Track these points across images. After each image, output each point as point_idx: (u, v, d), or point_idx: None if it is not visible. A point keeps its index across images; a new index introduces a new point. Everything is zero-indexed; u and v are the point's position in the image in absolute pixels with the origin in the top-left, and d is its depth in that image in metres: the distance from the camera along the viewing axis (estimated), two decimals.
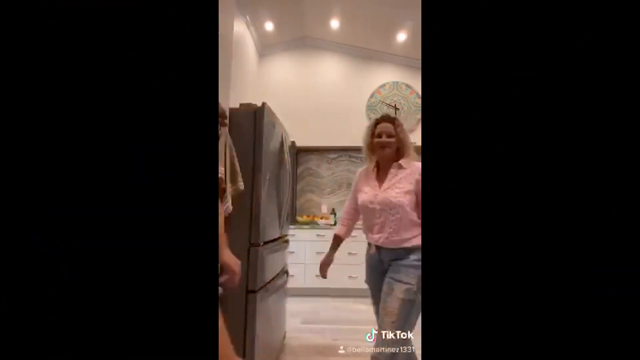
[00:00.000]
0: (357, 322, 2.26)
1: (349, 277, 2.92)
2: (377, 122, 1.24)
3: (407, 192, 1.13)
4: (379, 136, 1.19)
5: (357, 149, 3.75)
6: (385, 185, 1.17)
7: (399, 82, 3.76)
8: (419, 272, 1.10)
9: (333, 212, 3.30)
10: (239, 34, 2.79)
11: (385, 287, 1.10)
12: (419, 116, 3.62)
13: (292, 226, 3.05)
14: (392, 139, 1.18)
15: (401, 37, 3.43)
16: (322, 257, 1.33)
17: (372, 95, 3.75)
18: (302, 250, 2.99)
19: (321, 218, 3.33)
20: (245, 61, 3.15)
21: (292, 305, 2.63)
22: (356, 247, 3.00)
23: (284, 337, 2.04)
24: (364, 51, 3.78)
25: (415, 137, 3.54)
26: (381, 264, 1.17)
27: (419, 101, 3.67)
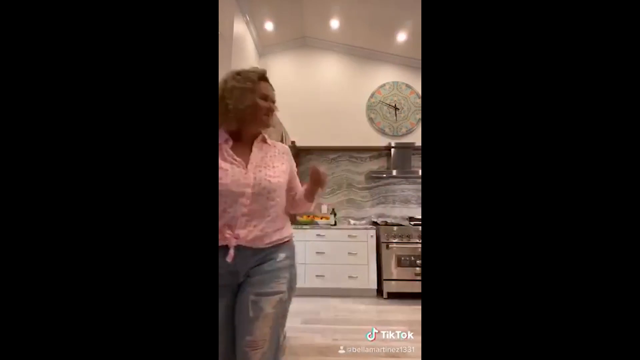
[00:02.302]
0: (357, 322, 2.26)
1: (349, 277, 2.92)
2: (262, 78, 0.94)
3: (284, 172, 0.94)
4: (265, 99, 0.92)
5: (357, 149, 3.78)
6: (254, 162, 0.89)
7: (399, 82, 3.76)
8: (290, 272, 0.88)
9: (333, 212, 3.29)
10: (239, 34, 2.79)
11: (249, 310, 0.79)
12: (419, 116, 3.62)
13: (292, 226, 3.05)
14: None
15: (401, 37, 3.43)
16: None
17: (372, 95, 3.75)
18: (302, 250, 2.99)
19: (321, 218, 3.33)
20: (245, 61, 3.15)
21: (292, 305, 2.62)
22: (356, 247, 3.01)
23: (284, 337, 2.04)
24: (364, 51, 3.78)
25: (415, 137, 3.56)
26: (235, 276, 0.83)
27: (419, 101, 3.67)
